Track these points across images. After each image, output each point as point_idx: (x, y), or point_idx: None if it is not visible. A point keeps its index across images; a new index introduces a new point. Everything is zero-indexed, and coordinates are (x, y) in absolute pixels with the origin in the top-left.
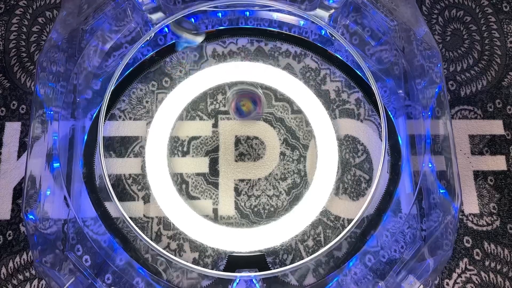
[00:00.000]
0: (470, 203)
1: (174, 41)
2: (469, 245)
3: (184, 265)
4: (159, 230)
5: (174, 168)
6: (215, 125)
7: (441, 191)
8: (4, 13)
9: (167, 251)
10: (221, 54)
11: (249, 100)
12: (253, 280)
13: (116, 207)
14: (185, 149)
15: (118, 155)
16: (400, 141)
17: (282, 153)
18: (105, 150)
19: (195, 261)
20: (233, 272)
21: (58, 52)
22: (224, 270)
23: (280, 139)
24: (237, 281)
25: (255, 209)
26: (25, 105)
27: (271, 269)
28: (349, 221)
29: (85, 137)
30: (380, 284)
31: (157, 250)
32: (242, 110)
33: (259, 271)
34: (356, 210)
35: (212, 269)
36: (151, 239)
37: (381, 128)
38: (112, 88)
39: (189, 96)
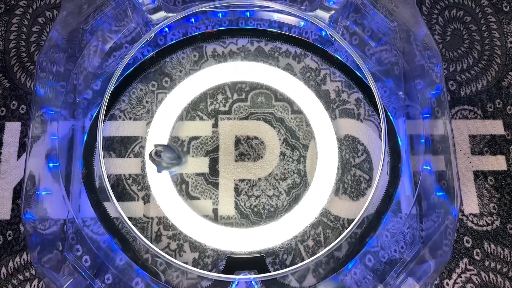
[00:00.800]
0: (470, 203)
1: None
2: (469, 245)
3: (181, 267)
4: (159, 230)
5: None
6: (215, 125)
7: (439, 193)
8: (4, 13)
9: (167, 251)
10: (221, 54)
11: None
12: (252, 282)
13: (115, 208)
14: (185, 149)
15: (118, 155)
16: (400, 143)
17: (282, 153)
18: (105, 150)
19: (195, 261)
20: (232, 273)
21: (58, 52)
22: (223, 271)
23: (280, 139)
24: (236, 283)
25: (255, 209)
26: (25, 105)
27: (270, 271)
28: (349, 221)
29: (85, 137)
30: (379, 287)
31: (156, 251)
32: None
33: (258, 272)
34: (356, 210)
35: (212, 269)
36: (151, 239)
37: (381, 129)
38: (112, 88)
39: (189, 96)
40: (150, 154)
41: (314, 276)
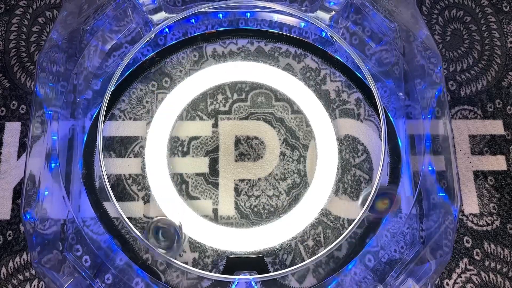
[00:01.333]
0: (470, 203)
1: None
2: (469, 245)
3: (181, 267)
4: None
5: (174, 168)
6: (215, 125)
7: (441, 194)
8: (4, 13)
9: None
10: (221, 54)
11: (388, 200)
12: (252, 282)
13: (115, 208)
14: (185, 149)
15: (118, 155)
16: (400, 144)
17: (282, 153)
18: (105, 150)
19: (195, 261)
20: (232, 273)
21: (58, 52)
22: (223, 272)
23: (280, 139)
24: (236, 283)
25: (255, 209)
26: (25, 105)
27: (270, 271)
28: (349, 221)
29: (85, 137)
30: (379, 287)
31: (155, 251)
32: (376, 204)
33: (258, 273)
34: (356, 210)
35: (212, 269)
36: None
37: (381, 129)
38: (112, 89)
39: (189, 96)
40: (149, 228)
41: (314, 276)
